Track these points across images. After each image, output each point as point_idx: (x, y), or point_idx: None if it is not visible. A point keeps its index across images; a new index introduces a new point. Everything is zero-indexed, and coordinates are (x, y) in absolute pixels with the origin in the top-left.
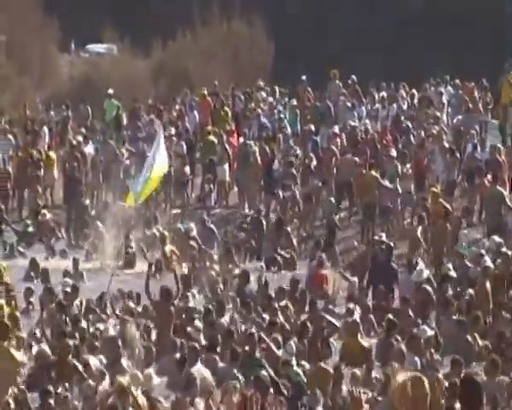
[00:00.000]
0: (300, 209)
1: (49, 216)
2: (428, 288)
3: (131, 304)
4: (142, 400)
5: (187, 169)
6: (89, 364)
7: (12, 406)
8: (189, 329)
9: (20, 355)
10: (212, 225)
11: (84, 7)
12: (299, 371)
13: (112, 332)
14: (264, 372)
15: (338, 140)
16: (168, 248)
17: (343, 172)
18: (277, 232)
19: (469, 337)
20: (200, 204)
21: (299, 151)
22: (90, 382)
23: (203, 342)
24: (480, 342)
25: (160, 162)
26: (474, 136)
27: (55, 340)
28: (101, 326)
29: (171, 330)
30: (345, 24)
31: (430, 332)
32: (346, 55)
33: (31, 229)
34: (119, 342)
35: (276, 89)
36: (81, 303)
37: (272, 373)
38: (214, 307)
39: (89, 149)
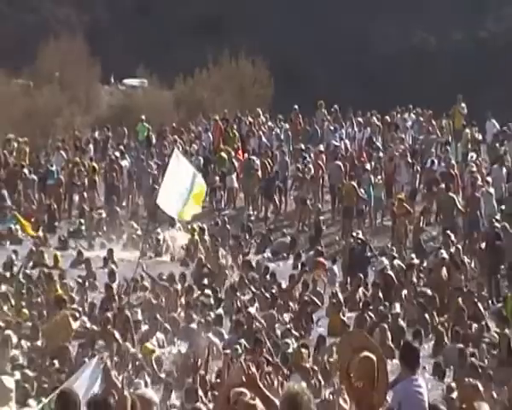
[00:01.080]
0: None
1: (95, 216)
2: (390, 273)
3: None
4: None
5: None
6: None
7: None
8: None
9: (73, 323)
10: (226, 224)
11: (122, 49)
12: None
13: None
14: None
15: (323, 156)
16: (195, 239)
17: (332, 177)
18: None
19: (427, 315)
20: (213, 206)
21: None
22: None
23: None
24: (437, 319)
25: (198, 181)
26: (432, 153)
27: (101, 314)
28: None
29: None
30: (332, 64)
31: (398, 309)
32: (331, 88)
33: (83, 227)
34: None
35: (271, 115)
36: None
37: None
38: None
39: (125, 162)
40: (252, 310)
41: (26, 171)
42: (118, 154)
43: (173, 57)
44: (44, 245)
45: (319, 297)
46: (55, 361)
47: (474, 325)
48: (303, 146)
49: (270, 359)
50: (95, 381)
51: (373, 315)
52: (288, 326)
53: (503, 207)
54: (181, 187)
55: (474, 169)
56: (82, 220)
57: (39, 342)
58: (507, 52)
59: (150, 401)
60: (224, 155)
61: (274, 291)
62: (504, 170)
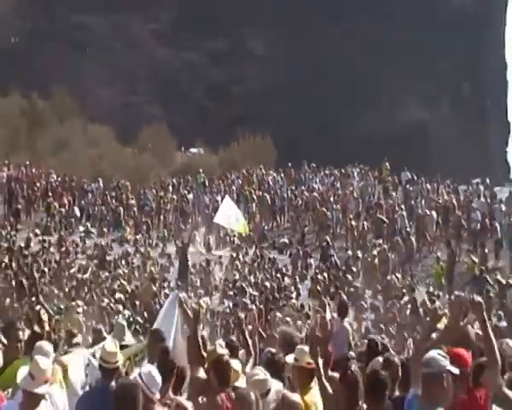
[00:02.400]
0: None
1: (172, 228)
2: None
3: None
4: None
5: None
6: None
7: None
8: None
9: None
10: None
11: (189, 130)
12: None
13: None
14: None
15: (306, 193)
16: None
17: (312, 205)
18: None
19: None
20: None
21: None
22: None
23: None
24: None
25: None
26: (369, 192)
27: None
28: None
29: None
30: (317, 142)
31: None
32: (312, 153)
33: (166, 235)
34: None
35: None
36: None
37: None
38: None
39: (190, 196)
40: None
41: (131, 201)
42: (186, 191)
43: (216, 137)
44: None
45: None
46: None
47: None
48: (293, 187)
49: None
50: (173, 311)
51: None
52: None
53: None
54: (232, 217)
55: (392, 202)
56: (166, 231)
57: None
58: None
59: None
60: (247, 192)
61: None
62: (413, 202)
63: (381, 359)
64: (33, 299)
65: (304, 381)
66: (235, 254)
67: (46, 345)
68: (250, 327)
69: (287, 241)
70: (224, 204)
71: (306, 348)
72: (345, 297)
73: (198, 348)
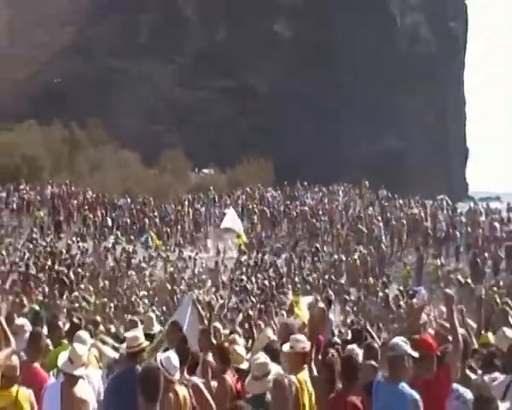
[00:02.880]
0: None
1: (188, 236)
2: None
3: None
4: None
5: None
6: None
7: None
8: None
9: None
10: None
11: (202, 155)
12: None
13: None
14: None
15: (299, 207)
16: None
17: (304, 217)
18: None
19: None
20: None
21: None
22: None
23: None
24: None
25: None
26: (352, 206)
27: None
28: None
29: None
30: (307, 165)
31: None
32: (304, 173)
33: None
34: None
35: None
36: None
37: None
38: None
39: (202, 209)
40: None
41: (153, 214)
42: (199, 206)
43: (224, 160)
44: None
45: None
46: None
47: None
48: (289, 202)
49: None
50: (186, 309)
51: None
52: None
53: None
54: (236, 222)
55: (370, 214)
56: (182, 238)
57: None
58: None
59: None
60: (250, 206)
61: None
62: (388, 214)
63: (355, 346)
64: (73, 295)
65: (298, 364)
66: (240, 258)
67: (83, 334)
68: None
69: (281, 246)
70: (228, 213)
71: (299, 337)
72: (331, 292)
73: (209, 338)
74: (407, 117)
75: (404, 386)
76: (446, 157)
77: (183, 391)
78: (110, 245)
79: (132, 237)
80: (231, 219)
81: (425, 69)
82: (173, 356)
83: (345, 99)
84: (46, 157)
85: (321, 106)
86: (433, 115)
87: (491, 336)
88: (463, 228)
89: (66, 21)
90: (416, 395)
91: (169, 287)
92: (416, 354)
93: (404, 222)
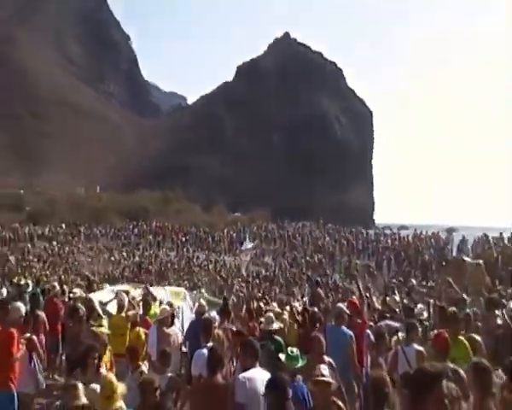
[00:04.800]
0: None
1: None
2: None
3: None
4: None
5: None
6: None
7: None
8: None
9: None
10: None
11: (234, 206)
12: None
13: None
14: None
15: (286, 233)
16: None
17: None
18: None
19: None
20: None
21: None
22: None
23: None
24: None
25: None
26: (314, 232)
27: None
28: None
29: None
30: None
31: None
32: (289, 214)
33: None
34: None
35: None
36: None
37: None
38: None
39: (234, 234)
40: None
41: (207, 236)
42: (233, 233)
43: (245, 208)
44: None
45: None
46: None
47: None
48: (281, 230)
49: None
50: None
51: None
52: None
53: None
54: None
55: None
56: (225, 250)
57: None
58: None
59: None
60: (258, 233)
61: None
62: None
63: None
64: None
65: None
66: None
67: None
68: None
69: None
70: (245, 242)
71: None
72: (317, 278)
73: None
74: (340, 185)
75: (344, 328)
76: (361, 203)
77: (220, 332)
78: (185, 252)
79: (193, 249)
80: (247, 244)
81: (346, 157)
82: (215, 313)
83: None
84: (152, 207)
85: (299, 178)
86: (351, 178)
87: (387, 300)
88: (372, 244)
89: None
90: (351, 332)
91: (218, 277)
92: (348, 311)
93: (336, 241)
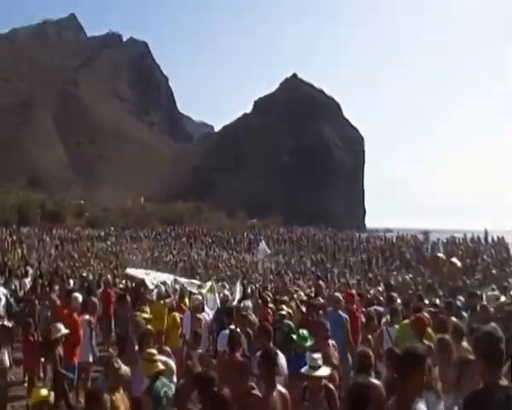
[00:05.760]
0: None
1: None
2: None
3: None
4: None
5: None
6: None
7: None
8: None
9: None
10: None
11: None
12: None
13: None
14: None
15: (294, 235)
16: None
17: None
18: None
19: None
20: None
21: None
22: None
23: None
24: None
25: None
26: (317, 235)
27: None
28: None
29: None
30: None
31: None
32: (299, 220)
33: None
34: None
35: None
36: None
37: None
38: None
39: (252, 237)
40: None
41: (231, 238)
42: (251, 236)
43: (261, 215)
44: None
45: None
46: None
47: None
48: (290, 233)
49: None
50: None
51: None
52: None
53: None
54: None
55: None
56: (244, 249)
57: None
58: None
59: None
60: (271, 235)
61: None
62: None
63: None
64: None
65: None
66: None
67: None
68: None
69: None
70: (261, 243)
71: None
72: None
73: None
74: (337, 196)
75: (340, 312)
76: (355, 211)
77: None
78: (212, 252)
79: (218, 249)
80: (262, 245)
81: (341, 175)
82: (249, 302)
83: (318, 187)
84: (186, 214)
85: (304, 191)
86: (347, 191)
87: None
88: (363, 244)
89: None
90: (346, 316)
91: (239, 272)
92: (343, 299)
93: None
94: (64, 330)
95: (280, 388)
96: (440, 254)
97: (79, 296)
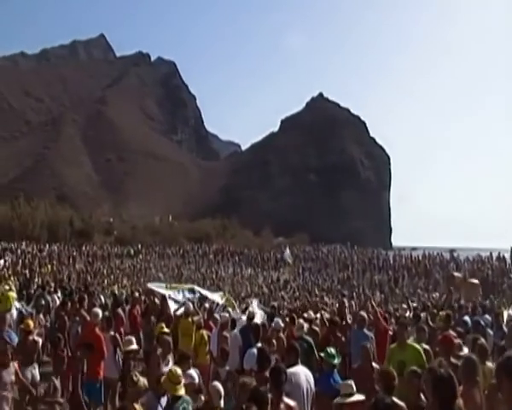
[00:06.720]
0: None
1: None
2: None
3: None
4: None
5: None
6: None
7: None
8: None
9: None
10: None
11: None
12: None
13: None
14: None
15: (320, 254)
16: None
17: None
18: None
19: None
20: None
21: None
22: None
23: None
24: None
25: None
26: (342, 253)
27: None
28: None
29: None
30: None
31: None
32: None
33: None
34: None
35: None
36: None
37: None
38: None
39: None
40: None
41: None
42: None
43: (287, 234)
44: None
45: None
46: None
47: None
48: (316, 252)
49: None
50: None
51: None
52: None
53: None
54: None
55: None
56: (269, 262)
57: None
58: None
59: None
60: (297, 252)
61: None
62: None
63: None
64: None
65: None
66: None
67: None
68: None
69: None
70: (286, 251)
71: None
72: (344, 292)
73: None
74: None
75: (365, 330)
76: (381, 229)
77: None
78: (239, 269)
79: (245, 266)
80: (288, 254)
81: (365, 190)
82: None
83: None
84: (213, 232)
85: (331, 209)
86: (373, 209)
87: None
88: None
89: None
90: (371, 334)
91: (266, 290)
92: (367, 317)
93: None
94: (135, 346)
95: (287, 400)
96: (456, 274)
97: (100, 312)
